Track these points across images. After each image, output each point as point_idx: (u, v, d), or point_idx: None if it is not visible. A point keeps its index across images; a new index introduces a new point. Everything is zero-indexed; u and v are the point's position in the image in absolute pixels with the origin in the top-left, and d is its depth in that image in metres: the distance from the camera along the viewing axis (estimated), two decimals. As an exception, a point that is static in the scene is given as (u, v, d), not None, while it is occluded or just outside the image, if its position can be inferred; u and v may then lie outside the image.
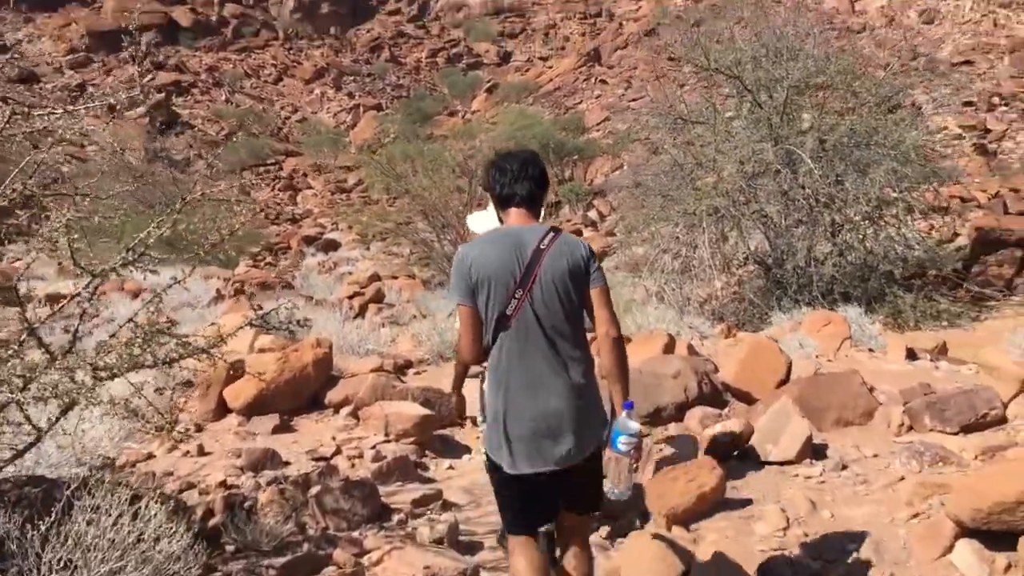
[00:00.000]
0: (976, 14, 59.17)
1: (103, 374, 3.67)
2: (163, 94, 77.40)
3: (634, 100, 70.15)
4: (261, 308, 8.55)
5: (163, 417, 3.87)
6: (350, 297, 12.05)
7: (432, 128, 54.62)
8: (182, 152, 68.54)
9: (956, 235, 13.03)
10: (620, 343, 3.05)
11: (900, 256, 10.62)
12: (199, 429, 6.31)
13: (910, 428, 5.47)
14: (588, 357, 3.09)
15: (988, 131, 31.47)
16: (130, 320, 3.86)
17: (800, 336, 7.89)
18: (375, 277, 13.83)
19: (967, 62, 40.72)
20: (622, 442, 2.94)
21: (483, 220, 4.18)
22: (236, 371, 6.67)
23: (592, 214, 35.77)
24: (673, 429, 5.69)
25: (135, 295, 11.09)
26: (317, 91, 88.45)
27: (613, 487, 3.04)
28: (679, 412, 5.87)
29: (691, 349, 7.34)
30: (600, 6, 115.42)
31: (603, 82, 77.19)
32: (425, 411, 5.94)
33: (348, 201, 41.24)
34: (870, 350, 7.66)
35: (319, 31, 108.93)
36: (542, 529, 3.13)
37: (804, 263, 10.41)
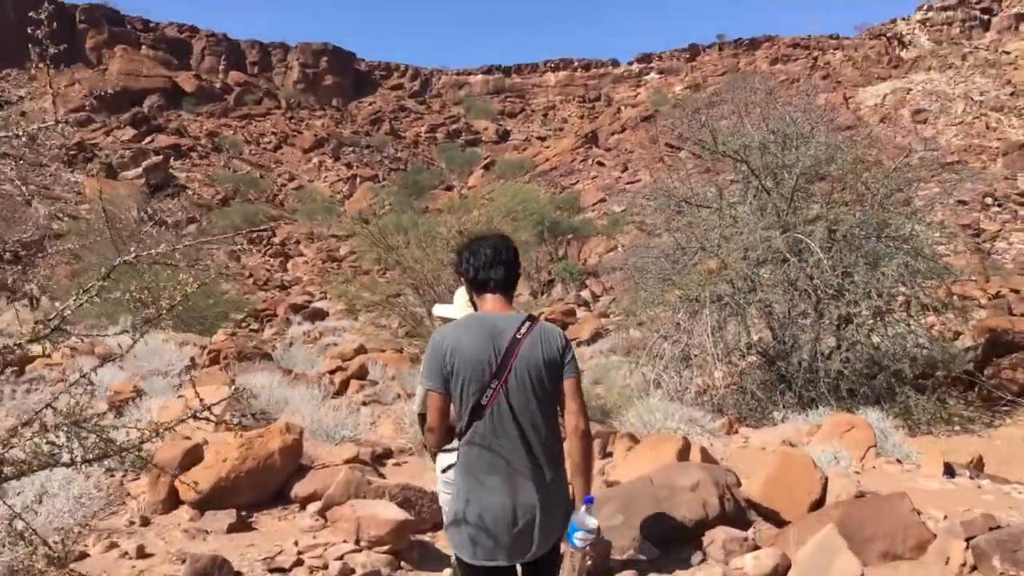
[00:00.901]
0: (968, 116, 60.37)
1: (7, 471, 3.03)
2: (160, 157, 77.95)
3: (630, 183, 71.07)
4: (234, 382, 7.99)
5: (52, 548, 3.16)
6: (331, 372, 11.32)
7: (428, 202, 54.68)
8: (175, 215, 68.58)
9: (958, 334, 12.54)
10: (588, 436, 3.00)
11: (908, 354, 10.09)
12: (145, 523, 5.57)
13: (973, 568, 4.61)
14: (560, 450, 3.03)
15: (981, 231, 31.58)
16: (48, 406, 3.22)
17: (834, 447, 6.96)
18: (360, 350, 13.20)
19: (959, 162, 41.29)
20: (578, 538, 2.89)
21: (449, 308, 4.10)
22: (194, 455, 5.99)
23: (585, 294, 35.49)
24: (696, 561, 4.94)
25: (106, 359, 10.31)
26: (315, 160, 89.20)
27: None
28: (697, 531, 5.17)
29: (705, 454, 6.56)
30: (599, 91, 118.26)
31: (600, 164, 78.22)
32: (403, 515, 5.23)
33: (339, 270, 40.89)
34: (898, 460, 7.03)
35: (321, 102, 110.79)
36: None
37: (810, 357, 9.85)
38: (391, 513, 5.18)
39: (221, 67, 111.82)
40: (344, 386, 10.83)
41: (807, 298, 10.05)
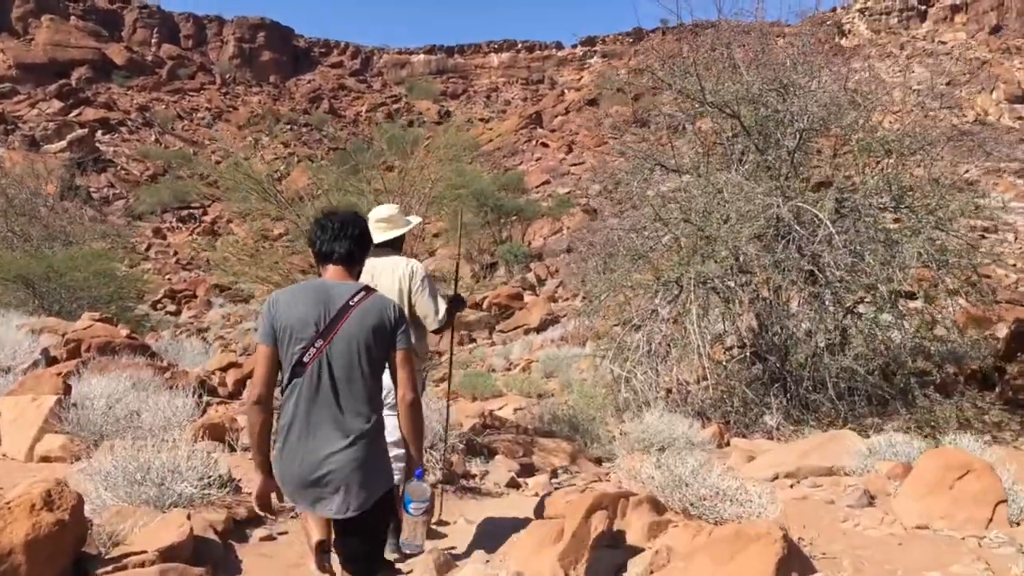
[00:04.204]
0: (907, 105, 60.26)
1: None
2: (86, 130, 74.05)
3: (575, 165, 69.72)
4: (68, 390, 5.99)
5: None
6: (222, 369, 8.78)
7: (366, 183, 52.34)
8: (101, 190, 64.88)
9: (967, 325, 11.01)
10: (416, 406, 3.11)
11: (925, 349, 8.52)
12: None
13: None
14: (376, 418, 3.06)
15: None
16: None
17: (972, 518, 4.26)
18: None
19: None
20: (414, 508, 3.08)
21: None
22: None
23: (530, 276, 34.09)
24: None
25: None
26: (251, 138, 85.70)
27: (406, 540, 3.16)
28: None
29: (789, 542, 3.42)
30: (543, 73, 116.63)
31: (544, 145, 76.72)
32: None
33: (272, 250, 38.46)
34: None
35: (258, 78, 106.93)
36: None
37: (811, 351, 8.21)
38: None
39: (153, 40, 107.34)
40: (238, 388, 8.32)
41: (811, 281, 8.42)
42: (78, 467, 4.12)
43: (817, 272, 8.30)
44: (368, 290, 3.12)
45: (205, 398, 6.42)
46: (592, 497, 3.91)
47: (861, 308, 8.87)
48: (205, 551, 3.97)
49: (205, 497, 4.37)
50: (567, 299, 26.13)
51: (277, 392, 3.05)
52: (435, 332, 4.44)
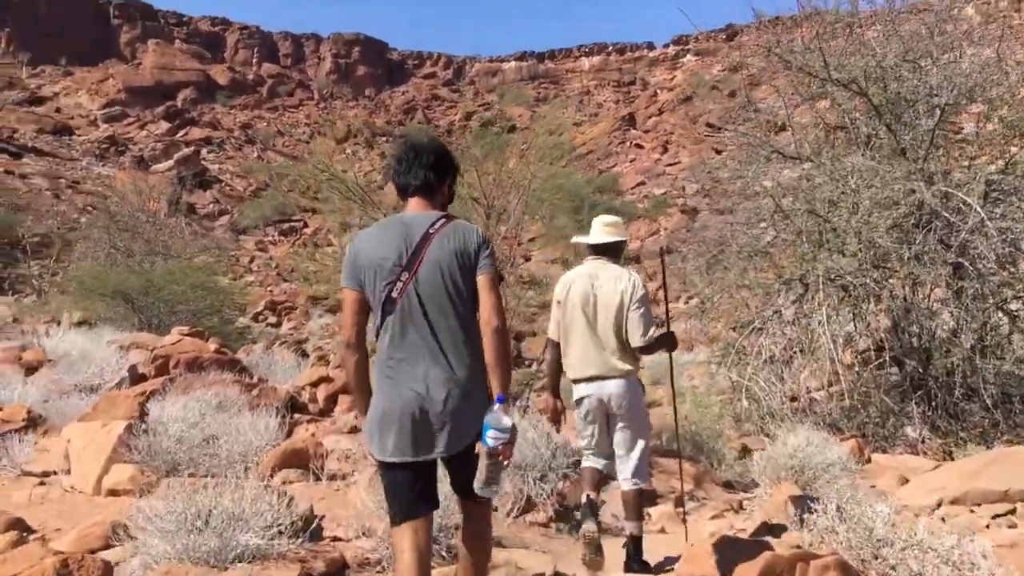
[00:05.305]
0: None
1: None
2: (192, 149, 77.11)
3: (671, 165, 68.22)
4: (144, 413, 5.64)
5: None
6: (313, 384, 8.31)
7: (461, 188, 52.56)
8: (207, 206, 67.26)
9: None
10: (501, 332, 2.88)
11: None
12: None
13: None
14: (475, 345, 2.89)
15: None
16: None
17: None
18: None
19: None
20: (490, 436, 2.75)
21: (584, 237, 4.59)
22: None
23: (630, 281, 33.15)
24: None
25: (33, 369, 8.08)
26: (349, 151, 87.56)
27: (478, 483, 2.79)
28: None
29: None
30: (634, 75, 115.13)
31: (638, 146, 75.48)
32: None
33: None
34: None
35: (354, 92, 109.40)
36: (419, 517, 2.87)
37: (966, 355, 7.21)
38: None
39: (254, 59, 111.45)
40: (331, 404, 7.96)
41: (956, 276, 7.42)
42: (141, 504, 3.60)
43: (968, 265, 7.31)
44: (448, 217, 2.98)
45: (293, 417, 5.99)
46: (763, 562, 3.19)
47: (1014, 305, 7.80)
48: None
49: (274, 547, 3.72)
50: (670, 301, 25.22)
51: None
52: (640, 351, 4.39)
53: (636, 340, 4.30)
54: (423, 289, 2.84)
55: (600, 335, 4.32)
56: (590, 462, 4.40)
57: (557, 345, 4.48)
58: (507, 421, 2.76)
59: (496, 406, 2.77)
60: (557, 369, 4.50)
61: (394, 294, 2.84)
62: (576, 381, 4.40)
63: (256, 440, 5.03)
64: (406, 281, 2.83)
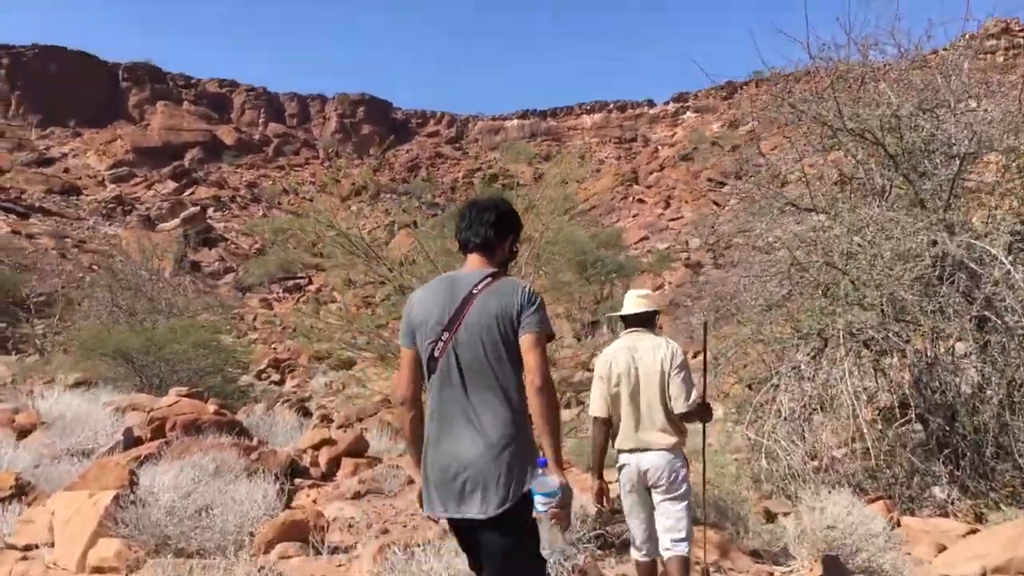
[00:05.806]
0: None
1: None
2: (198, 208, 77.61)
3: (673, 219, 68.40)
4: (133, 482, 5.33)
5: None
6: (315, 447, 7.92)
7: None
8: (212, 264, 67.38)
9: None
10: (545, 392, 2.78)
11: None
12: None
13: None
14: (512, 406, 2.82)
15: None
16: None
17: None
18: (374, 407, 10.34)
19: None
20: (539, 502, 2.69)
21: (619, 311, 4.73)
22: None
23: (636, 336, 32.83)
24: None
25: (26, 432, 7.75)
26: (354, 208, 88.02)
27: (545, 546, 2.85)
28: None
29: None
30: (635, 131, 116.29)
31: (641, 201, 75.87)
32: None
33: (372, 315, 38.67)
34: None
35: (359, 151, 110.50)
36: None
37: (995, 412, 6.94)
38: None
39: (260, 120, 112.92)
40: (333, 468, 7.54)
41: (981, 329, 7.19)
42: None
43: (995, 318, 7.08)
44: (497, 275, 2.96)
45: (294, 482, 5.68)
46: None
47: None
48: None
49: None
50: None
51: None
52: (681, 418, 4.36)
53: (680, 406, 4.27)
54: (461, 350, 2.83)
55: (643, 407, 4.29)
56: (643, 555, 4.34)
57: (602, 422, 4.40)
58: (553, 483, 2.68)
59: (539, 470, 2.72)
60: (603, 448, 4.42)
61: (436, 353, 2.86)
62: (620, 451, 4.36)
63: (252, 510, 4.72)
64: (446, 341, 2.84)
